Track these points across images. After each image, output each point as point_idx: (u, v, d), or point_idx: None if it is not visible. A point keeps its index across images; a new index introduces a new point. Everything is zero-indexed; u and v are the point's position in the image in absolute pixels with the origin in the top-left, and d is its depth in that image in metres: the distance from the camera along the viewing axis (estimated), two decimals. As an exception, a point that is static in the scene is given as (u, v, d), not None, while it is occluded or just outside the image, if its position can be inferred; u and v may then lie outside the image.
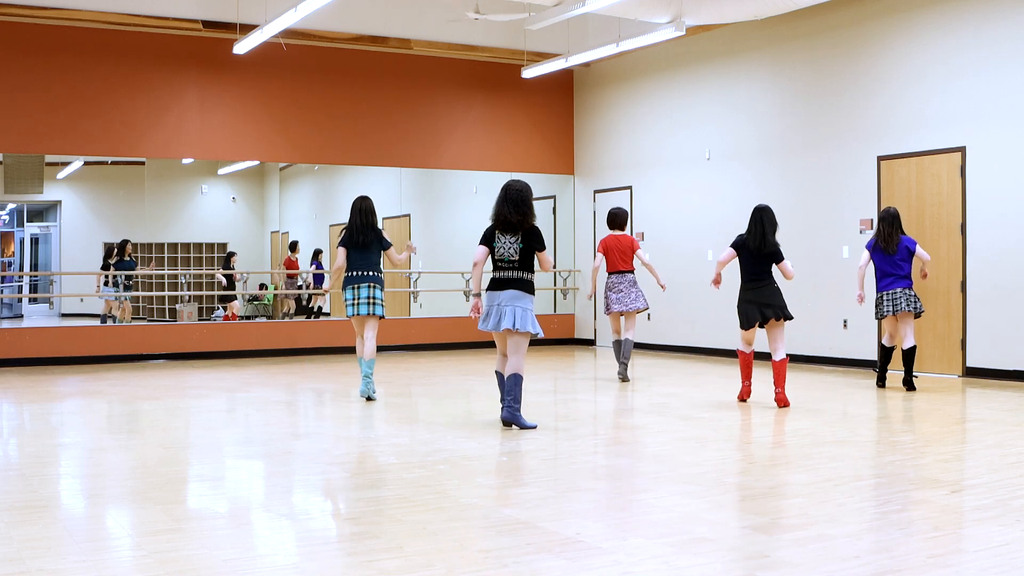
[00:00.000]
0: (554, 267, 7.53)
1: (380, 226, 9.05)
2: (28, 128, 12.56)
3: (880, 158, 11.22)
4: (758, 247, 8.38)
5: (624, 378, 10.25)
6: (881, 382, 9.62)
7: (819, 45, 11.95)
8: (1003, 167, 10.06)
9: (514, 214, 7.33)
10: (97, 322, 14.48)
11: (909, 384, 9.32)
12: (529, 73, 13.74)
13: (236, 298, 15.52)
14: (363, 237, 8.90)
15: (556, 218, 16.11)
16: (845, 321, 11.54)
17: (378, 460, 6.29)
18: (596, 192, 15.46)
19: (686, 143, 13.78)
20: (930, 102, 10.72)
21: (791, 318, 8.46)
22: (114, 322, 14.33)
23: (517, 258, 7.34)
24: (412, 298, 16.00)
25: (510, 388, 7.14)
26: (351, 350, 13.97)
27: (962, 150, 10.41)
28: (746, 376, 8.59)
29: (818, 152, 11.95)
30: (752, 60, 12.83)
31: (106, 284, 14.57)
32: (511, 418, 7.14)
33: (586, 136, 15.65)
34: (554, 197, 16.09)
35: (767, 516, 4.59)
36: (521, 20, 12.12)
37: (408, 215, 16.85)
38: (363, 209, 8.97)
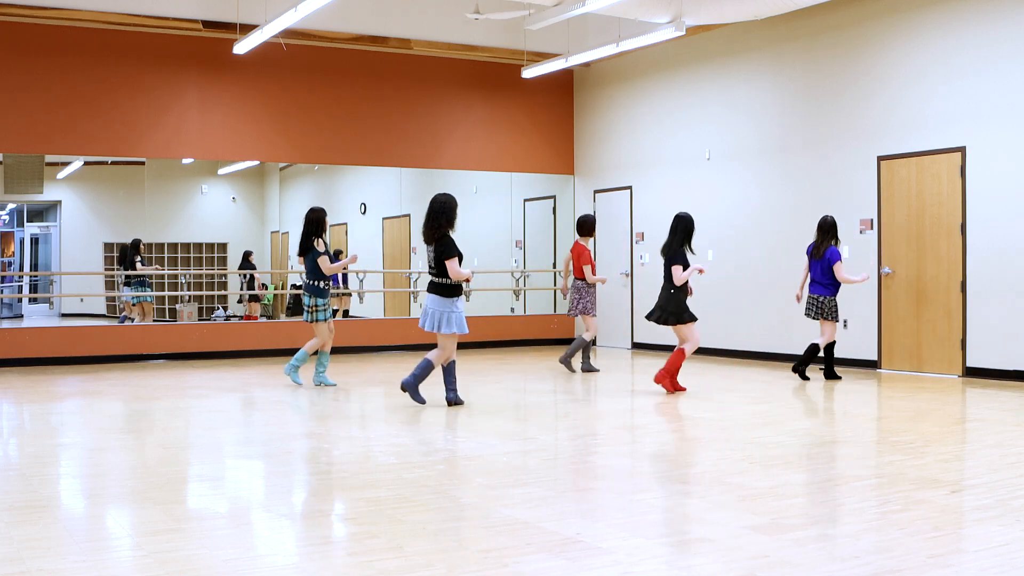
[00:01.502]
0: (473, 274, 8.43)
1: (324, 234, 9.68)
2: (28, 128, 12.56)
3: (880, 158, 11.22)
4: (663, 252, 9.24)
5: (572, 369, 11.22)
6: (830, 375, 10.32)
7: (819, 45, 11.95)
8: (1003, 167, 10.07)
9: (425, 229, 8.17)
10: (112, 322, 14.50)
11: (808, 372, 10.29)
12: (529, 73, 13.74)
13: (257, 298, 15.56)
14: (302, 245, 9.68)
15: (556, 218, 16.12)
16: (845, 321, 11.54)
17: (378, 460, 6.29)
18: (596, 192, 15.46)
19: (686, 143, 13.78)
20: (930, 102, 10.72)
21: (680, 323, 9.10)
22: (131, 322, 14.34)
23: (434, 266, 8.12)
24: (412, 298, 15.99)
25: (422, 371, 8.29)
26: (350, 350, 13.97)
27: (962, 150, 10.41)
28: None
29: (818, 152, 11.95)
30: (752, 60, 12.83)
31: (128, 284, 14.55)
32: (411, 389, 8.34)
33: (586, 136, 15.65)
34: (554, 197, 16.09)
35: (767, 516, 4.59)
36: (521, 20, 12.13)
37: (408, 215, 16.84)
38: (304, 218, 9.71)
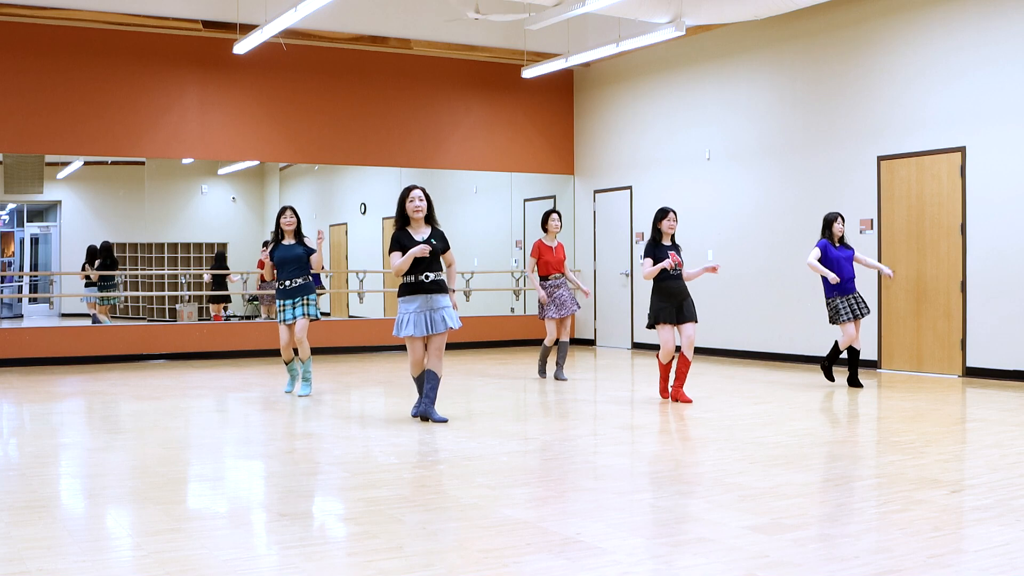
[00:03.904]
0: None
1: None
2: (28, 128, 12.56)
3: (880, 158, 11.22)
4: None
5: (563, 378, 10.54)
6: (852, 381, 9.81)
7: (819, 45, 11.95)
8: (1003, 167, 10.07)
9: None
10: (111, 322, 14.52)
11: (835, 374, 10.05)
12: (529, 73, 13.74)
13: (228, 298, 15.50)
14: None
15: (556, 218, 16.11)
16: (845, 321, 11.53)
17: (378, 460, 6.29)
18: (596, 192, 15.46)
19: (686, 143, 13.78)
20: (930, 102, 10.72)
21: (649, 326, 8.77)
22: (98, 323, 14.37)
23: None
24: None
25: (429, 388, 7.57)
26: (349, 350, 13.98)
27: (962, 150, 10.41)
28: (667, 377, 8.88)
29: (818, 152, 11.95)
30: (752, 60, 12.83)
31: (102, 284, 14.55)
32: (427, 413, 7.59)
33: (586, 136, 15.65)
34: (554, 197, 16.09)
35: (767, 516, 4.59)
36: (521, 20, 12.12)
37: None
38: None
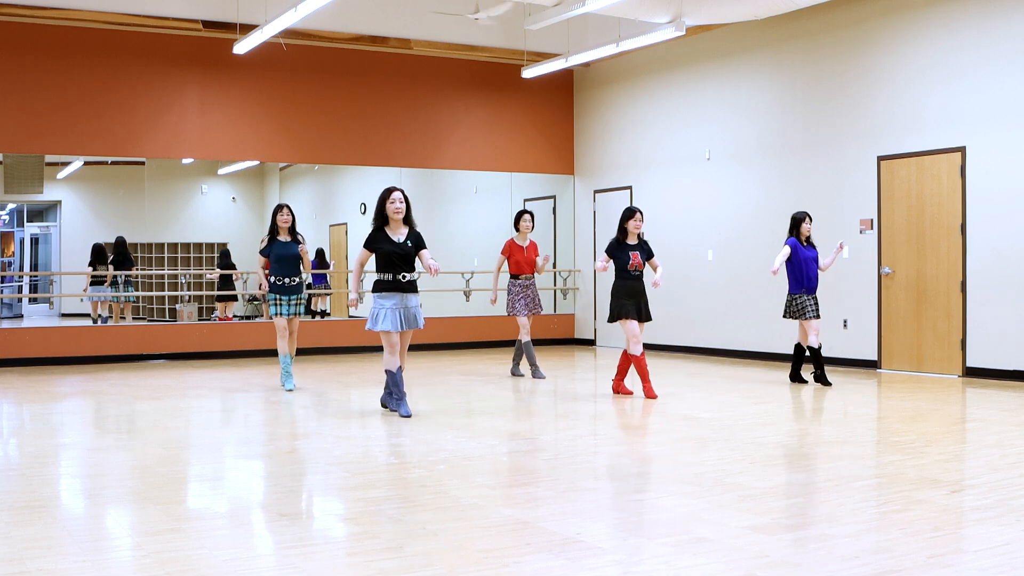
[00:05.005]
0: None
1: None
2: (28, 128, 12.56)
3: (880, 158, 11.22)
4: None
5: (542, 375, 10.70)
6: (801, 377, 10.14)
7: (819, 45, 11.95)
8: (1003, 167, 10.07)
9: None
10: (110, 322, 14.50)
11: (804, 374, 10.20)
12: (529, 73, 13.74)
13: (236, 298, 15.50)
14: None
15: (556, 218, 16.12)
16: (845, 321, 11.54)
17: (378, 460, 6.29)
18: (596, 192, 15.46)
19: (686, 143, 13.78)
20: (930, 102, 10.72)
21: (609, 320, 9.10)
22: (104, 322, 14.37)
23: None
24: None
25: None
26: (349, 350, 13.97)
27: (962, 150, 10.41)
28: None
29: (818, 152, 11.95)
30: (752, 60, 12.83)
31: (117, 283, 14.56)
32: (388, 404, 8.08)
33: (586, 136, 15.66)
34: (554, 197, 16.09)
35: (767, 516, 4.59)
36: (521, 20, 12.12)
37: (408, 215, 16.81)
38: None
